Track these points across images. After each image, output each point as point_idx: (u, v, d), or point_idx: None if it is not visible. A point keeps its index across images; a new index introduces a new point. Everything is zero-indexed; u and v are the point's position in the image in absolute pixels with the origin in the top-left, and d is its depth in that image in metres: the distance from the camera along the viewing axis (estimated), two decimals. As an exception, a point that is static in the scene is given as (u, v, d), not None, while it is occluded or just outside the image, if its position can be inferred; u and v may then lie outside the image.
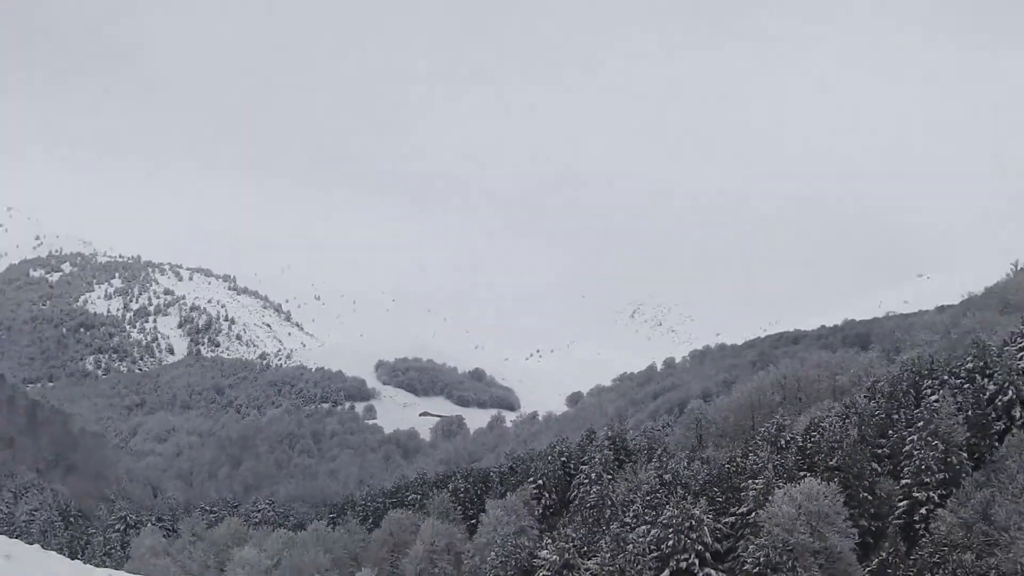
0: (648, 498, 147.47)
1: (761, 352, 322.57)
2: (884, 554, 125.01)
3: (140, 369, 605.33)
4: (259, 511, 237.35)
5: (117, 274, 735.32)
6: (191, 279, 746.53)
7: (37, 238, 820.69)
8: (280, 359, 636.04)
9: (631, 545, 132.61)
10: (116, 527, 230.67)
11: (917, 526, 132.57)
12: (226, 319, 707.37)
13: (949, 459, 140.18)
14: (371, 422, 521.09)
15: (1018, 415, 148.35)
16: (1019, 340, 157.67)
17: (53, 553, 57.93)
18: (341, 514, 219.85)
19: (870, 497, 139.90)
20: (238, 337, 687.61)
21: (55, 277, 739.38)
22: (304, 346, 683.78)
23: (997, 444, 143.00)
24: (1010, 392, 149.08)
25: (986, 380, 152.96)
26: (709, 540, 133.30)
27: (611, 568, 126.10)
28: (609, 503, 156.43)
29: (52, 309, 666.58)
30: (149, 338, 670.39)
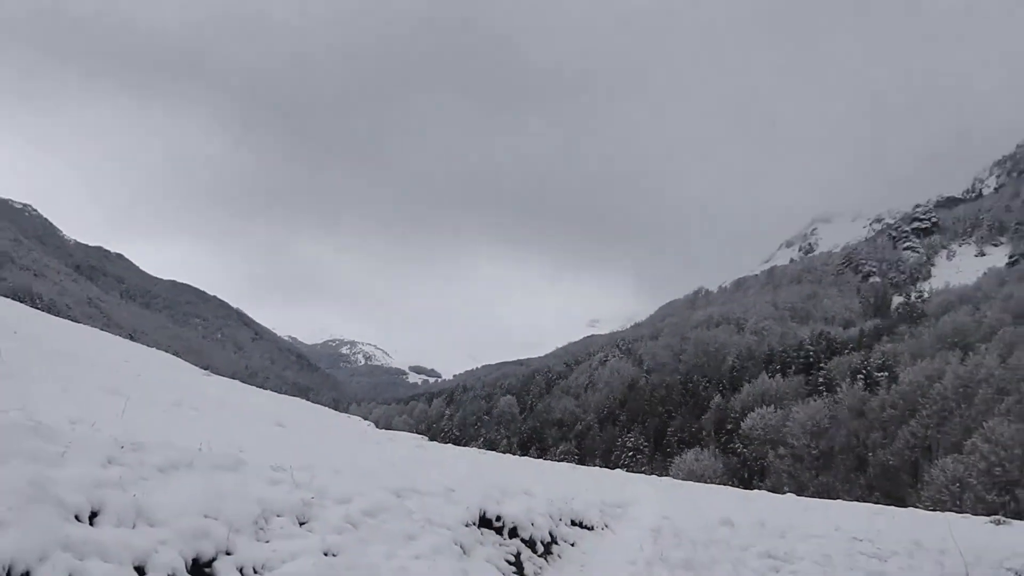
0: (461, 407, 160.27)
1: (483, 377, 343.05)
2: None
3: (348, 367, 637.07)
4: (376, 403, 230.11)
5: (348, 346, 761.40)
6: (365, 345, 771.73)
7: (323, 329, 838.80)
8: (387, 365, 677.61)
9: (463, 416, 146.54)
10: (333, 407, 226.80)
11: (532, 408, 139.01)
12: (374, 356, 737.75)
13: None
14: (407, 380, 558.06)
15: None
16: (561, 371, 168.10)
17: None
18: (396, 402, 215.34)
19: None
20: (377, 360, 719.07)
21: (319, 341, 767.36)
22: (391, 363, 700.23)
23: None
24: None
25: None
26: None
27: (453, 424, 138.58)
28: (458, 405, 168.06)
29: (320, 350, 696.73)
30: (354, 362, 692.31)
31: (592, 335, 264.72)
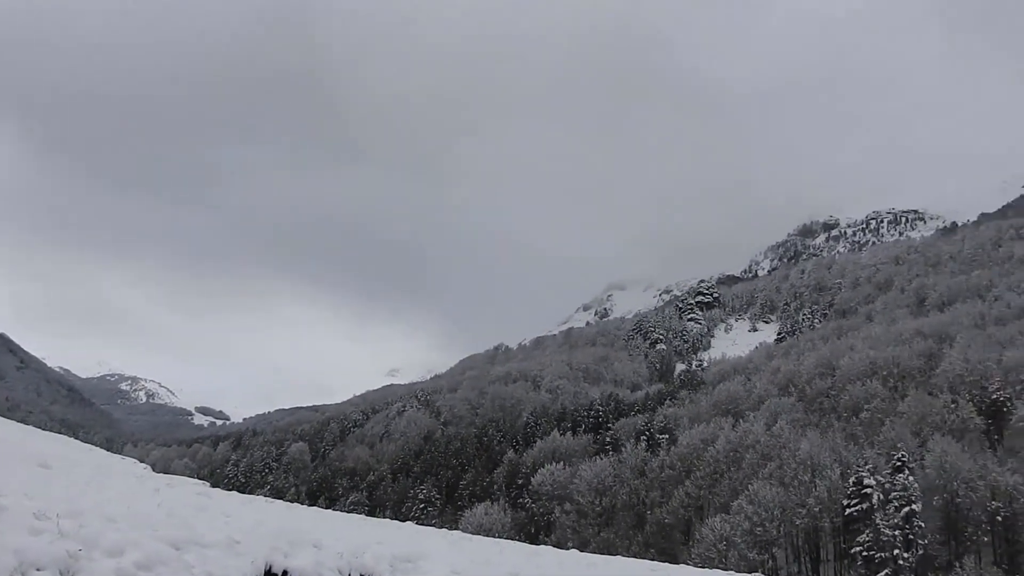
0: (249, 452, 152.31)
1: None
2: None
3: (127, 404, 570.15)
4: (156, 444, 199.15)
5: (129, 382, 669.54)
6: (149, 382, 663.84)
7: (102, 363, 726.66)
8: (171, 404, 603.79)
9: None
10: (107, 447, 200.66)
11: (325, 456, 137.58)
12: (157, 394, 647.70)
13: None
14: (192, 421, 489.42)
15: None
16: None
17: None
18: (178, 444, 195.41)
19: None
20: (161, 398, 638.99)
21: (96, 375, 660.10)
22: (176, 402, 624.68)
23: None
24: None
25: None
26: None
27: (239, 469, 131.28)
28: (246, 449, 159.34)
29: (96, 384, 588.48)
30: (135, 399, 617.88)
31: (391, 384, 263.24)
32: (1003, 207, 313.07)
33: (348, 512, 67.57)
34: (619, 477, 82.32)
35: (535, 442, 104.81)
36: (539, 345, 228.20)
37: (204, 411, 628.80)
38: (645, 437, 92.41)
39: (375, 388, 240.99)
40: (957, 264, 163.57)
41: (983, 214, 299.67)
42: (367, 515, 68.56)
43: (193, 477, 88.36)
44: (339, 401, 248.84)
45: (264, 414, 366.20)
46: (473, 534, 49.90)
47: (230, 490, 64.96)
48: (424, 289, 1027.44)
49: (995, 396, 79.17)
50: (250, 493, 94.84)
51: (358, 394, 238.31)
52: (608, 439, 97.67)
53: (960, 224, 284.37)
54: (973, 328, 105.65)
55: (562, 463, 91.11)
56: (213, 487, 43.07)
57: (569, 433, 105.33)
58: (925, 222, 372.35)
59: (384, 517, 71.97)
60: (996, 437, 75.39)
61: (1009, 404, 77.98)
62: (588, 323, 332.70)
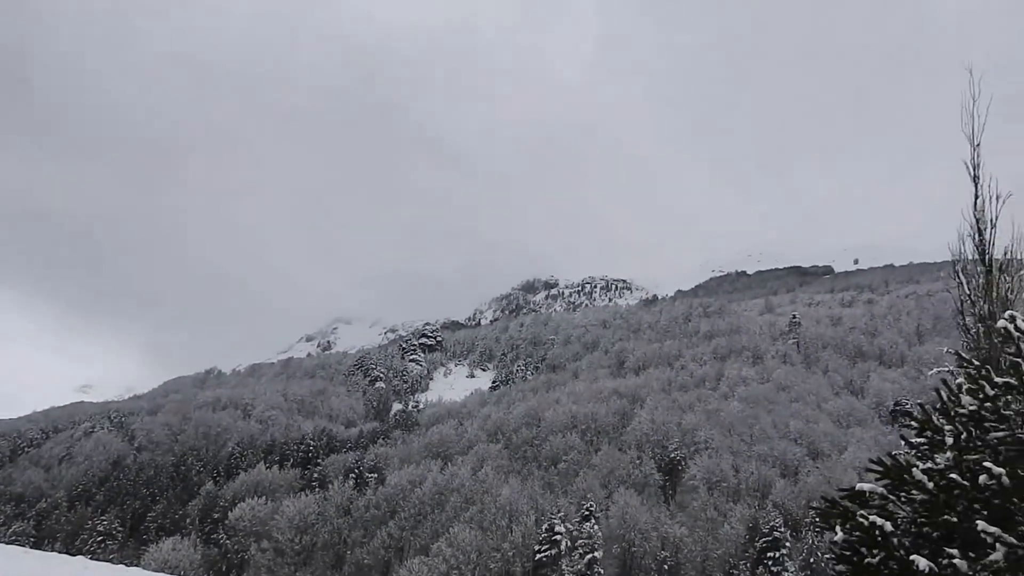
0: None
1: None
2: None
3: None
4: None
5: None
6: None
7: None
8: None
9: None
10: None
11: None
12: None
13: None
14: None
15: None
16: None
17: None
18: None
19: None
20: None
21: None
22: None
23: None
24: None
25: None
26: None
27: None
28: None
29: None
30: None
31: (82, 401, 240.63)
32: (695, 287, 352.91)
33: (8, 543, 60.69)
34: (323, 515, 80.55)
35: (238, 474, 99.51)
36: (255, 372, 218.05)
37: None
38: (354, 475, 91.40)
39: (61, 404, 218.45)
40: (654, 333, 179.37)
41: (679, 291, 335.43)
42: (32, 547, 61.78)
43: None
44: (14, 416, 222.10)
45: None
46: (156, 571, 46.32)
47: None
48: (132, 301, 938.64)
49: (673, 455, 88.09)
50: None
51: (40, 409, 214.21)
52: (316, 475, 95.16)
53: (660, 297, 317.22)
54: (661, 392, 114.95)
55: (265, 498, 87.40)
56: None
57: (276, 467, 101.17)
58: (632, 292, 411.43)
59: (54, 550, 65.13)
60: (671, 492, 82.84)
61: (683, 463, 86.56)
62: (310, 354, 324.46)
